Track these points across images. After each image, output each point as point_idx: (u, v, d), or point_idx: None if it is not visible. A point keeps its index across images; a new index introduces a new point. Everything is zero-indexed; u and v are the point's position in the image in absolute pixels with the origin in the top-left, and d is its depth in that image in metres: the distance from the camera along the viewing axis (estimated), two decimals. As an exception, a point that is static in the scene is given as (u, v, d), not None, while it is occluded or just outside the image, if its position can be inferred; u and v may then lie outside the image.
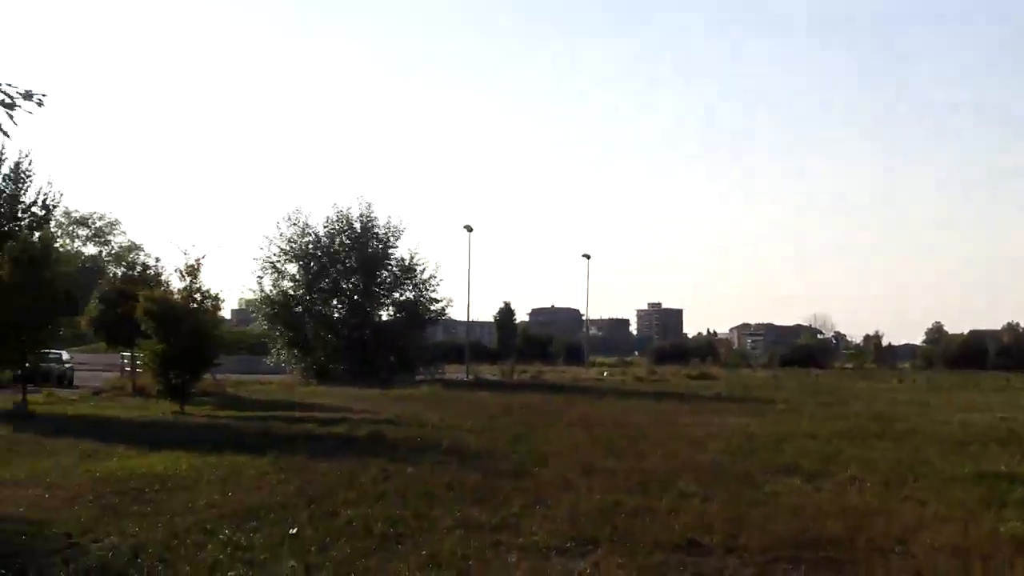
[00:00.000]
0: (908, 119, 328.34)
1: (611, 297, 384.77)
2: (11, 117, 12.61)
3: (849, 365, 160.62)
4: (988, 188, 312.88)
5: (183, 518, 14.90)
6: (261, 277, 70.20)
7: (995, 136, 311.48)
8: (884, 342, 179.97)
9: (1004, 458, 24.88)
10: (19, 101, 12.55)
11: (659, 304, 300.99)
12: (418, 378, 66.96)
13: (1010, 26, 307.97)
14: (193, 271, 38.46)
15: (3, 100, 12.47)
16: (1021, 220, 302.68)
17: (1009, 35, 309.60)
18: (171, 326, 37.22)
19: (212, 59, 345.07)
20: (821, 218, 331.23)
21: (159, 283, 44.72)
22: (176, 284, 40.24)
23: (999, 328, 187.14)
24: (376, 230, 71.31)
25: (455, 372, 79.85)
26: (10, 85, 12.59)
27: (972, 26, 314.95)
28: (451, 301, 74.39)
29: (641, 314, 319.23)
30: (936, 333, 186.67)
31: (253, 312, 79.87)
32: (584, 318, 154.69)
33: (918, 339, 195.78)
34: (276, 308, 69.36)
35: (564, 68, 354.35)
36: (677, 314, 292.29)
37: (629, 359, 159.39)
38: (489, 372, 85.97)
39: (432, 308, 73.13)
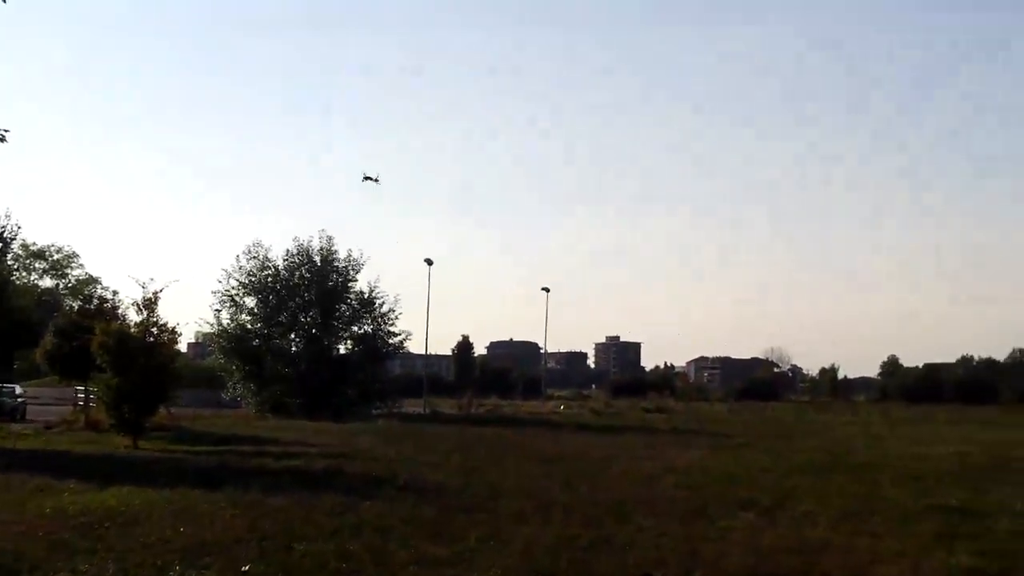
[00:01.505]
0: (866, 150, 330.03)
1: (569, 330, 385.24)
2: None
3: (805, 398, 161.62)
4: (942, 226, 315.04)
5: (135, 554, 14.75)
6: (219, 310, 69.81)
7: (943, 166, 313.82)
8: (840, 375, 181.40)
9: (958, 492, 25.06)
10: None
11: (617, 337, 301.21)
12: (375, 412, 66.71)
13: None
14: (150, 304, 38.15)
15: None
16: (974, 254, 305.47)
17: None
18: (127, 360, 36.89)
19: (170, 91, 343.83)
20: (778, 251, 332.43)
21: (116, 316, 44.35)
22: (133, 317, 39.88)
23: (954, 361, 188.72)
24: (336, 263, 71.09)
25: (413, 406, 79.63)
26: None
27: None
28: (410, 335, 74.18)
29: (599, 347, 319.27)
30: (891, 366, 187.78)
31: (210, 346, 79.20)
32: (542, 351, 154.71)
33: (874, 372, 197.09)
34: (233, 342, 68.96)
35: (521, 99, 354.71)
36: (635, 347, 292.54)
37: (587, 392, 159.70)
38: (446, 405, 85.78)
39: (390, 342, 72.88)
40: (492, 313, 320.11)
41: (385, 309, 72.04)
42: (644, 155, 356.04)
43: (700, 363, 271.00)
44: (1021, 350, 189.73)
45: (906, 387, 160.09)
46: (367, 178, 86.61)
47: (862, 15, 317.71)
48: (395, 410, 69.73)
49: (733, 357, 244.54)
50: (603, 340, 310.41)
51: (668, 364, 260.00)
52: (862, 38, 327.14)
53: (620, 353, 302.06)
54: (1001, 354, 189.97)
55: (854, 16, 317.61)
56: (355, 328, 72.40)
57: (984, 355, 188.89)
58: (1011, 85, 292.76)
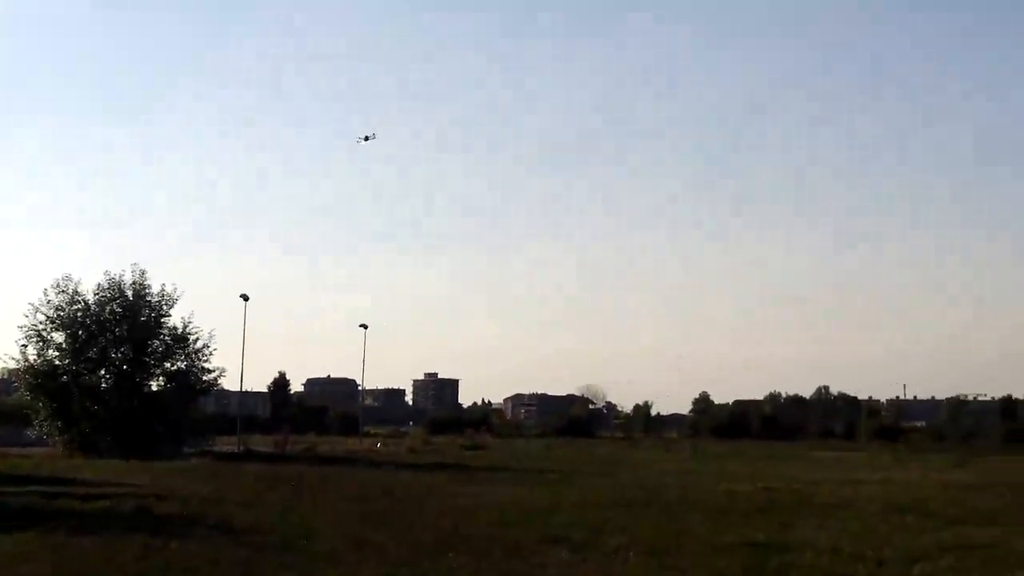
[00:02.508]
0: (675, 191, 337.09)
1: (388, 367, 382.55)
2: None
3: (620, 434, 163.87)
4: (754, 265, 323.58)
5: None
6: (25, 346, 67.64)
7: (754, 218, 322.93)
8: (653, 412, 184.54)
9: (764, 527, 25.75)
10: None
11: (435, 374, 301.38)
12: (188, 450, 65.40)
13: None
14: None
15: None
16: (783, 291, 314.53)
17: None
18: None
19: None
20: (591, 288, 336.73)
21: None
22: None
23: (762, 398, 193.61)
24: (149, 298, 69.60)
25: (227, 444, 78.33)
26: None
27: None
28: (224, 371, 72.95)
29: (417, 384, 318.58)
30: (703, 403, 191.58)
31: (15, 382, 76.77)
32: (360, 388, 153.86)
33: (686, 409, 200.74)
34: (40, 378, 66.88)
35: (331, 131, 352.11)
36: (453, 384, 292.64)
37: (404, 429, 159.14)
38: (261, 443, 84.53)
39: (204, 378, 71.56)
40: (310, 350, 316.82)
41: (199, 345, 70.75)
42: (462, 193, 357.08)
43: (517, 400, 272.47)
44: (826, 387, 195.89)
45: (717, 423, 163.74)
46: (365, 138, 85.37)
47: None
48: (208, 448, 68.46)
49: (549, 394, 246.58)
50: (421, 377, 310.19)
51: (486, 401, 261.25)
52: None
53: (438, 390, 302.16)
54: (807, 391, 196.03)
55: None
56: (168, 364, 70.89)
57: (791, 392, 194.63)
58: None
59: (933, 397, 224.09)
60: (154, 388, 71.06)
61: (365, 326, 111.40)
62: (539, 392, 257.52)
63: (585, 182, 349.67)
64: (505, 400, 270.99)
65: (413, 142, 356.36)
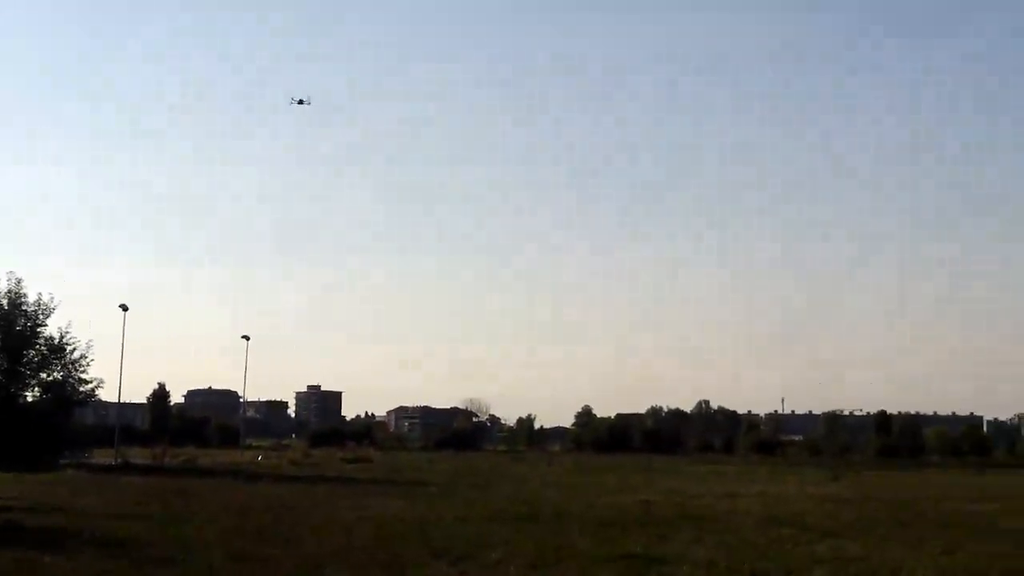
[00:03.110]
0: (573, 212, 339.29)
1: (270, 379, 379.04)
2: None
3: (503, 448, 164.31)
4: (630, 271, 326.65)
5: None
6: None
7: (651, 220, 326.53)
8: (537, 425, 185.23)
9: (643, 539, 26.08)
10: None
11: (318, 387, 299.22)
12: (64, 462, 64.18)
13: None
14: None
15: None
16: (664, 308, 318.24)
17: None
18: None
19: None
20: (477, 302, 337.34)
21: None
22: None
23: (644, 412, 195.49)
24: (25, 307, 68.18)
25: (105, 456, 77.05)
26: None
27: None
28: (102, 382, 71.48)
29: (300, 396, 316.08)
30: (585, 416, 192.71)
31: None
32: (242, 400, 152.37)
33: (569, 422, 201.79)
34: (-92, 388, 65.25)
35: (218, 138, 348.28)
36: (336, 396, 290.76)
37: (286, 442, 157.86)
38: (140, 456, 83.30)
39: (81, 389, 70.20)
40: (191, 361, 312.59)
41: (77, 355, 69.38)
42: (346, 206, 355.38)
43: (401, 412, 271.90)
44: (706, 401, 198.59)
45: (598, 437, 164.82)
46: (299, 101, 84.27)
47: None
48: (85, 460, 67.27)
49: (433, 407, 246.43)
50: (304, 389, 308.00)
51: (369, 413, 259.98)
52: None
53: (321, 402, 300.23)
54: (688, 405, 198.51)
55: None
56: (44, 375, 69.42)
57: (672, 406, 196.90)
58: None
59: (810, 411, 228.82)
60: (29, 399, 69.65)
61: (247, 337, 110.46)
62: (423, 405, 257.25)
63: (461, 192, 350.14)
64: (389, 413, 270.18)
65: (304, 151, 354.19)
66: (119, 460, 75.92)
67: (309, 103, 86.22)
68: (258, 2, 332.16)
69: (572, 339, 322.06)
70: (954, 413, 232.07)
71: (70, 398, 69.91)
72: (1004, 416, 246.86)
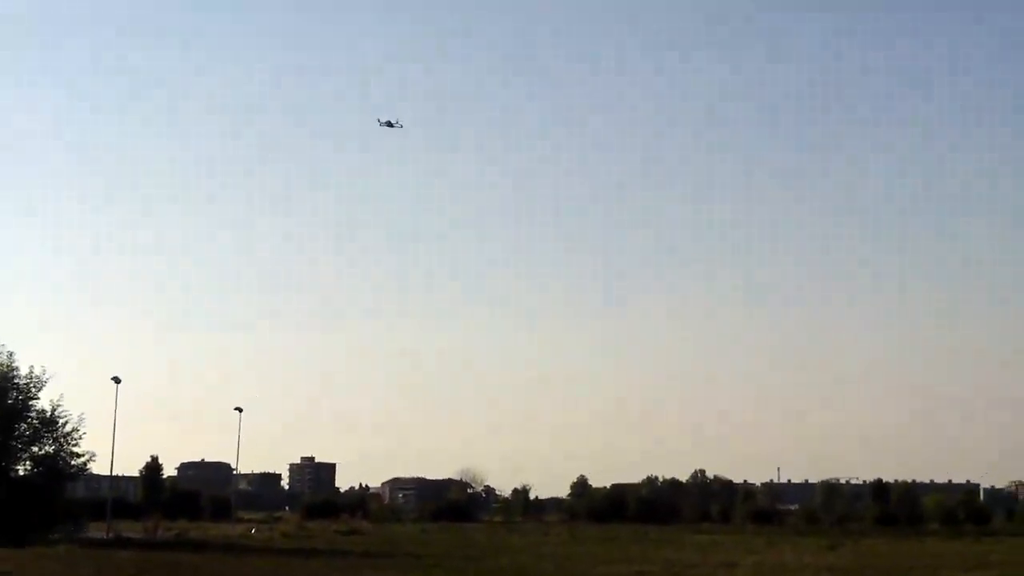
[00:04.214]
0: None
1: (263, 451, 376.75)
2: None
3: (498, 518, 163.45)
4: (623, 344, 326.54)
5: None
6: None
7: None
8: (532, 495, 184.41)
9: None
10: None
11: (312, 458, 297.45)
12: (56, 537, 63.75)
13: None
14: None
15: None
16: (655, 373, 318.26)
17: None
18: None
19: None
20: (465, 372, 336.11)
21: None
22: None
23: (639, 481, 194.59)
24: (16, 380, 68.09)
25: (97, 529, 76.55)
26: None
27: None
28: (94, 455, 71.36)
29: (293, 468, 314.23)
30: (581, 487, 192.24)
31: None
32: (235, 472, 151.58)
33: (564, 492, 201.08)
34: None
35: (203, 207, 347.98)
36: (330, 468, 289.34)
37: (279, 514, 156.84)
38: (133, 529, 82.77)
39: (73, 462, 69.94)
40: (184, 433, 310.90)
41: (68, 428, 69.23)
42: (334, 272, 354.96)
43: (395, 484, 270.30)
44: (702, 471, 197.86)
45: (594, 507, 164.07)
46: (387, 123, 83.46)
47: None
48: (78, 535, 66.82)
49: (428, 478, 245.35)
50: (298, 460, 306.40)
51: (363, 485, 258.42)
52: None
53: (315, 474, 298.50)
54: (684, 475, 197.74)
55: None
56: (36, 448, 69.24)
57: (668, 475, 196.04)
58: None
59: (807, 480, 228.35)
60: (21, 473, 69.30)
61: (240, 409, 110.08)
62: (417, 476, 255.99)
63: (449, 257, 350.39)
64: (383, 484, 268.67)
65: (293, 219, 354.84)
66: (111, 534, 75.39)
67: (401, 126, 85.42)
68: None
69: (567, 409, 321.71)
70: (951, 481, 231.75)
71: (62, 471, 69.64)
72: (1000, 484, 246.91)
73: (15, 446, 68.42)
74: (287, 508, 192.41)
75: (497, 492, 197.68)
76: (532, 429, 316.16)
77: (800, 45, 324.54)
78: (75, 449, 69.70)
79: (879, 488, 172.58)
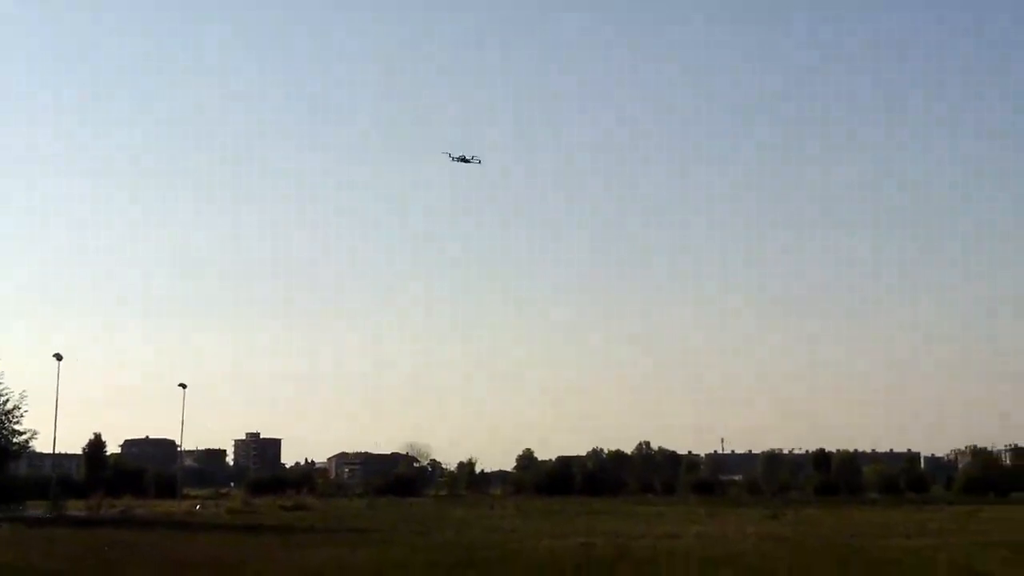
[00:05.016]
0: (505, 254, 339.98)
1: (208, 427, 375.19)
2: None
3: (444, 492, 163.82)
4: (583, 319, 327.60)
5: None
6: None
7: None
8: (478, 469, 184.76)
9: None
10: None
11: (257, 434, 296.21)
12: (-4, 515, 63.36)
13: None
14: None
15: None
16: (609, 349, 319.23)
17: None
18: None
19: None
20: (415, 346, 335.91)
21: None
22: None
23: (584, 454, 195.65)
24: (-45, 360, 67.55)
25: (39, 508, 75.97)
26: None
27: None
28: (36, 433, 70.96)
29: (239, 444, 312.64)
30: (527, 460, 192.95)
31: None
32: (179, 449, 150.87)
33: (510, 466, 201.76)
34: None
35: (164, 196, 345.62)
36: (275, 444, 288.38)
37: (224, 491, 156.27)
38: (76, 507, 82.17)
39: (15, 440, 69.52)
40: (128, 410, 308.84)
41: (10, 406, 68.81)
42: (283, 256, 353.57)
43: (341, 459, 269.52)
44: (647, 443, 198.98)
45: (539, 480, 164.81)
46: (460, 159, 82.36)
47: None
48: (19, 513, 66.36)
49: (374, 452, 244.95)
50: (243, 437, 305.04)
51: (309, 460, 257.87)
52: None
53: (260, 450, 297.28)
54: (629, 447, 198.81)
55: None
56: (-25, 427, 68.77)
57: (613, 448, 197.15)
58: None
59: (750, 451, 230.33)
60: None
61: (184, 385, 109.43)
62: (364, 451, 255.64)
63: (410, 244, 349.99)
64: (329, 459, 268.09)
65: (250, 207, 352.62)
66: (54, 512, 74.82)
67: (480, 162, 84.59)
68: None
69: (513, 382, 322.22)
70: (892, 450, 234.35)
71: (3, 449, 69.14)
72: (941, 452, 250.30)
73: (-45, 426, 67.91)
74: (232, 484, 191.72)
75: (443, 466, 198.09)
76: (477, 403, 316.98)
77: (837, 50, 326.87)
78: (16, 427, 69.32)
79: (820, 458, 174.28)
